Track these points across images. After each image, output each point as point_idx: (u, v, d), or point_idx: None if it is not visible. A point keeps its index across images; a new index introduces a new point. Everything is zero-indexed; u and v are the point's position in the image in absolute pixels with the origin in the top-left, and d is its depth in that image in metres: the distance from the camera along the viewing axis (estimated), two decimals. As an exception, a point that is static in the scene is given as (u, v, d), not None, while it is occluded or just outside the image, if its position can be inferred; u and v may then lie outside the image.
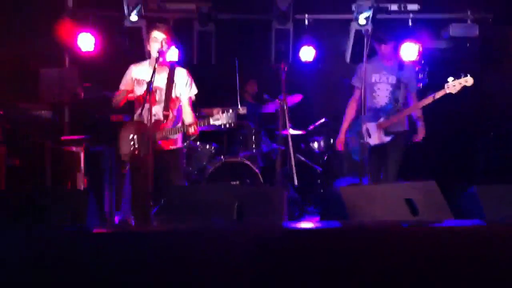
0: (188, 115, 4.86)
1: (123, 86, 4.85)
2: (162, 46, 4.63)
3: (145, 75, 4.75)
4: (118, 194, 5.62)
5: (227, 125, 4.56)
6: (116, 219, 5.56)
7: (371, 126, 5.04)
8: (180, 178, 4.95)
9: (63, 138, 5.65)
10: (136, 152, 4.59)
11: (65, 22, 6.84)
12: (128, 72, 4.88)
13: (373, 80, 5.08)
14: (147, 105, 4.42)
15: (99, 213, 5.07)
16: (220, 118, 4.55)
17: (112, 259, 2.75)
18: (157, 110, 4.70)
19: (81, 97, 6.15)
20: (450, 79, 4.79)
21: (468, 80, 4.74)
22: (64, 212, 3.38)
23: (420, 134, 5.20)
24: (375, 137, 5.03)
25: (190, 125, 4.65)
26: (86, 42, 6.83)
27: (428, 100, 4.89)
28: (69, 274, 2.71)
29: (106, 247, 2.78)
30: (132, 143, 4.64)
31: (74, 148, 5.34)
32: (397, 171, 5.03)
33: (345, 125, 5.27)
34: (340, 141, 5.30)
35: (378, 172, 5.06)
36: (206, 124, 4.64)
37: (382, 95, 5.07)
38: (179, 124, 4.80)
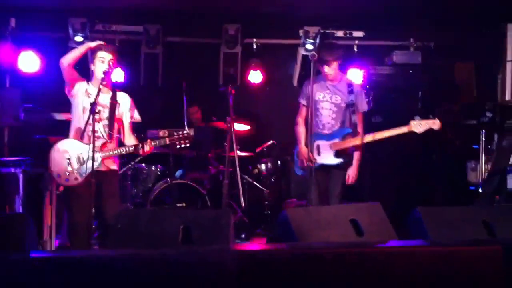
0: (130, 139, 4.77)
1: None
2: (110, 67, 4.57)
3: (91, 94, 4.65)
4: (58, 217, 5.44)
5: (183, 145, 4.60)
6: (56, 243, 5.38)
7: (323, 144, 5.04)
8: (117, 201, 4.81)
9: (1, 159, 5.45)
10: (75, 173, 4.45)
11: (7, 43, 6.68)
12: (81, 80, 4.73)
13: (316, 98, 5.10)
14: (89, 126, 4.33)
15: (38, 237, 4.89)
16: (177, 139, 4.58)
17: (51, 284, 2.65)
18: (99, 129, 4.59)
19: (21, 119, 5.98)
20: (417, 118, 4.73)
21: (436, 123, 4.72)
22: (1, 236, 3.23)
23: (353, 173, 5.03)
24: (325, 157, 5.03)
25: (144, 143, 4.58)
26: (29, 62, 6.69)
27: (390, 132, 4.87)
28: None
29: (44, 272, 2.68)
30: (67, 163, 4.50)
31: (13, 170, 5.16)
32: (341, 194, 5.02)
33: (302, 142, 5.17)
34: (304, 156, 5.06)
35: (324, 191, 5.04)
36: (162, 143, 4.62)
37: (325, 114, 5.10)
38: (131, 148, 4.66)
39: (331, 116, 5.07)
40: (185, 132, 4.59)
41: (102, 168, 4.58)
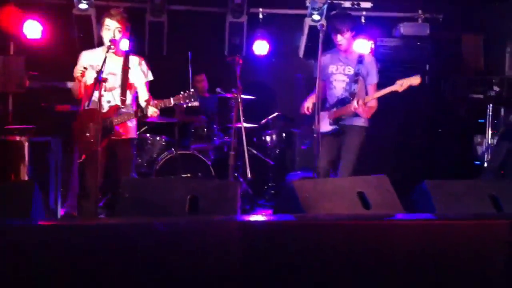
0: (147, 100, 4.80)
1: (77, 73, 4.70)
2: (114, 35, 4.52)
3: (97, 62, 4.61)
4: (63, 186, 5.45)
5: (189, 103, 4.64)
6: (62, 212, 5.40)
7: (323, 114, 5.02)
8: (131, 169, 4.87)
9: (6, 127, 5.43)
10: (92, 141, 4.46)
11: (10, 9, 6.60)
12: (80, 58, 4.74)
13: (329, 71, 5.09)
14: (96, 93, 4.31)
15: (44, 206, 4.90)
16: (182, 98, 4.59)
17: (57, 252, 2.66)
18: (113, 96, 4.64)
19: (26, 86, 5.94)
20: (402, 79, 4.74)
21: (416, 79, 4.70)
22: (8, 204, 3.24)
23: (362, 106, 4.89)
24: (322, 125, 4.96)
25: (149, 105, 4.61)
26: (33, 29, 6.61)
27: (381, 92, 4.86)
28: (12, 267, 2.60)
29: (51, 240, 2.68)
30: (87, 132, 4.55)
31: (18, 138, 5.14)
32: (351, 167, 4.97)
33: (309, 97, 5.13)
34: (306, 105, 5.11)
35: (328, 163, 5.02)
36: (167, 104, 4.61)
37: (338, 86, 5.08)
38: (136, 111, 4.72)
39: (345, 88, 5.04)
40: (190, 90, 4.60)
41: (117, 137, 4.61)
